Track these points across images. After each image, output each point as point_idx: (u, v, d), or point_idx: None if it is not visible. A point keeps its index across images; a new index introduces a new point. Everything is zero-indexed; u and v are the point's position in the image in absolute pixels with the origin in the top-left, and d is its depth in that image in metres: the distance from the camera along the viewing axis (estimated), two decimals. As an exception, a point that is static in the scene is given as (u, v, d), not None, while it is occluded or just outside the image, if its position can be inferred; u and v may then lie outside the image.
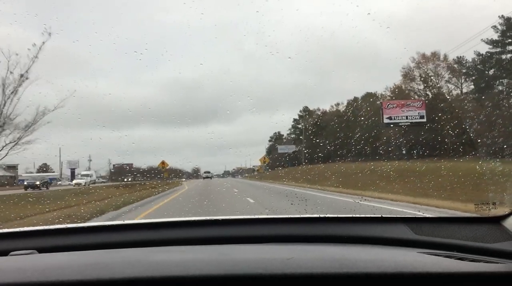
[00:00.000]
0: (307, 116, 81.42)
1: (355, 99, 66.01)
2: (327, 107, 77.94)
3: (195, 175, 65.93)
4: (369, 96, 62.08)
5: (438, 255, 1.77)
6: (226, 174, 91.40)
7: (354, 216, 2.31)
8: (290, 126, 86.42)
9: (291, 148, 79.34)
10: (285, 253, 1.76)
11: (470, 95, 49.19)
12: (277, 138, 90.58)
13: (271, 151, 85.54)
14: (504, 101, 41.35)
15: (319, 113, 79.03)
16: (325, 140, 58.80)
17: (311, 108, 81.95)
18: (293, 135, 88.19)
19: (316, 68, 72.10)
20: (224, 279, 1.49)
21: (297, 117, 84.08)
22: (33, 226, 2.40)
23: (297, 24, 66.65)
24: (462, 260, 1.72)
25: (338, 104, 73.65)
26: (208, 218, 2.25)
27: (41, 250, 1.88)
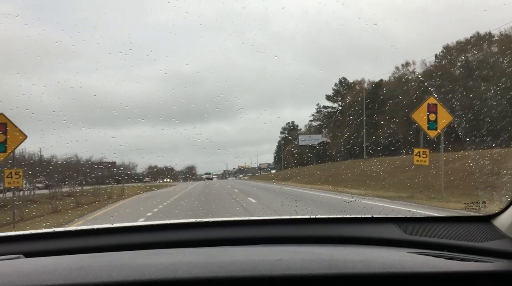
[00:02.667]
0: (345, 91, 59.99)
1: (449, 48, 43.71)
2: (379, 76, 54.56)
3: (187, 176, 49.93)
4: (480, 40, 41.25)
5: (428, 255, 1.77)
6: (227, 174, 76.98)
7: (344, 216, 2.30)
8: (314, 111, 67.54)
9: (316, 138, 60.04)
10: (274, 254, 1.74)
11: None
12: (291, 129, 74.22)
13: (284, 144, 70.34)
14: None
15: (367, 85, 54.51)
16: (392, 122, 37.48)
17: (351, 79, 59.68)
18: (317, 123, 68.52)
19: (325, 58, 64.66)
20: (212, 281, 1.47)
21: (328, 95, 63.84)
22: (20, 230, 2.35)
23: (304, 11, 59.88)
24: (452, 259, 1.72)
25: (407, 64, 47.52)
26: (196, 220, 2.23)
27: (28, 255, 1.86)
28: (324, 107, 66.46)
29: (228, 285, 1.48)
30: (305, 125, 72.64)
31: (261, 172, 77.34)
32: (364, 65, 72.65)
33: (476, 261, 1.73)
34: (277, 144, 75.66)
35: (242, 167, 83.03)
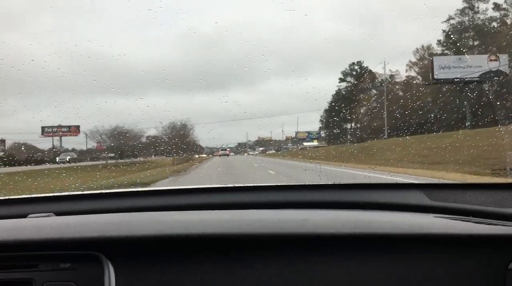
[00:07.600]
0: None
1: None
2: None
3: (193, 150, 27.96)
4: None
5: (455, 219, 1.76)
6: (243, 146, 59.90)
7: (369, 183, 2.31)
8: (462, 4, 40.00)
9: (479, 64, 28.81)
10: (300, 216, 1.77)
11: None
12: (359, 73, 51.03)
13: (345, 93, 50.53)
14: None
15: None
16: None
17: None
18: (469, 34, 38.63)
19: (363, 17, 57.40)
20: (240, 237, 1.52)
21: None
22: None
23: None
24: (479, 223, 1.72)
25: None
26: (222, 185, 2.28)
27: (58, 214, 1.92)
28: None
29: (256, 241, 1.52)
30: (414, 51, 42.42)
31: (297, 145, 58.14)
32: (408, 27, 61.01)
33: (504, 225, 1.71)
34: (332, 97, 51.92)
35: (262, 139, 65.06)
